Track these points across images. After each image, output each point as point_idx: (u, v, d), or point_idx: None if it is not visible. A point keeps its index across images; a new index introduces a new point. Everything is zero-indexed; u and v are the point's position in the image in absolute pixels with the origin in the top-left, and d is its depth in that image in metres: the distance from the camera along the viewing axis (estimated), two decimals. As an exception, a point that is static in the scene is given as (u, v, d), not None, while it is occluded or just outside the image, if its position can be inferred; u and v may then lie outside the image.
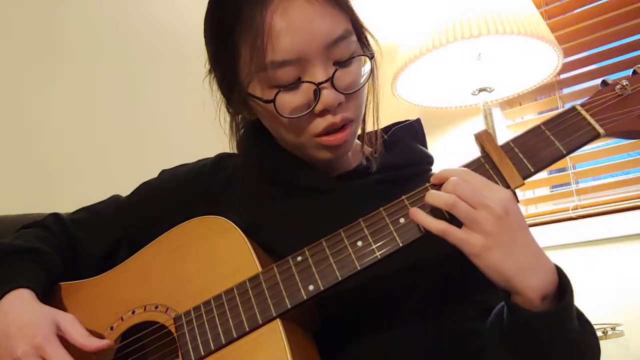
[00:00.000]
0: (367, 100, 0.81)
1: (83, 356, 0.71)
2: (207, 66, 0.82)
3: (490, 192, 0.63)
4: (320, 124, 0.74)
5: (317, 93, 0.72)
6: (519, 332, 0.65)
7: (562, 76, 1.86)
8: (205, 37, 0.80)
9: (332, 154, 0.78)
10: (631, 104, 0.66)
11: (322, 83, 0.72)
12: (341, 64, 0.73)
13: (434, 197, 0.65)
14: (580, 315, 0.67)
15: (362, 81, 0.76)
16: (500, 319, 0.67)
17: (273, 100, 0.73)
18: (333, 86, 0.72)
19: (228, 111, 0.82)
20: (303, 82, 0.72)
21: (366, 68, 0.78)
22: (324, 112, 0.73)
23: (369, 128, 0.84)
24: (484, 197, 0.62)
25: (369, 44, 0.81)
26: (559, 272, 0.64)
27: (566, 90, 1.88)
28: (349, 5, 0.77)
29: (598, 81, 1.90)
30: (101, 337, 0.75)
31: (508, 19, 1.46)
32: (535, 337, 0.63)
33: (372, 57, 0.78)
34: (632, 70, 0.68)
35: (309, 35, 0.71)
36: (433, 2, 1.58)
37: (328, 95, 0.72)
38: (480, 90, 1.63)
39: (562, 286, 0.64)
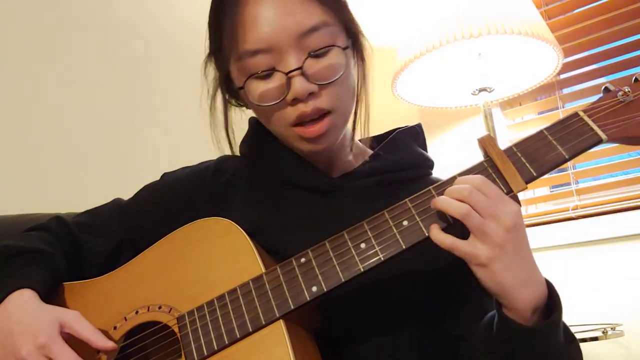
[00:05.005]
0: (359, 98, 0.81)
1: (88, 355, 0.71)
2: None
3: (502, 204, 0.64)
4: (292, 113, 0.74)
5: (289, 83, 0.72)
6: (506, 343, 0.66)
7: (562, 76, 1.86)
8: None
9: (311, 146, 0.77)
10: (633, 111, 0.67)
11: (291, 72, 0.72)
12: (315, 53, 0.73)
13: (446, 204, 0.65)
14: (567, 333, 0.68)
15: (340, 73, 0.75)
16: (490, 328, 0.68)
17: (242, 87, 0.75)
18: (304, 75, 0.72)
19: (223, 94, 0.83)
20: (276, 71, 0.73)
21: (348, 61, 0.77)
22: (296, 102, 0.74)
23: (361, 127, 0.84)
24: (495, 209, 0.63)
25: (359, 43, 0.80)
26: (549, 286, 0.66)
27: (566, 90, 1.88)
28: None
29: (598, 81, 1.89)
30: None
31: (508, 19, 1.46)
32: (521, 349, 0.65)
33: (345, 48, 0.76)
34: (633, 78, 0.69)
35: (279, 25, 0.72)
36: (433, 2, 1.58)
37: (298, 84, 0.72)
38: (480, 90, 1.63)
39: (552, 301, 0.65)
